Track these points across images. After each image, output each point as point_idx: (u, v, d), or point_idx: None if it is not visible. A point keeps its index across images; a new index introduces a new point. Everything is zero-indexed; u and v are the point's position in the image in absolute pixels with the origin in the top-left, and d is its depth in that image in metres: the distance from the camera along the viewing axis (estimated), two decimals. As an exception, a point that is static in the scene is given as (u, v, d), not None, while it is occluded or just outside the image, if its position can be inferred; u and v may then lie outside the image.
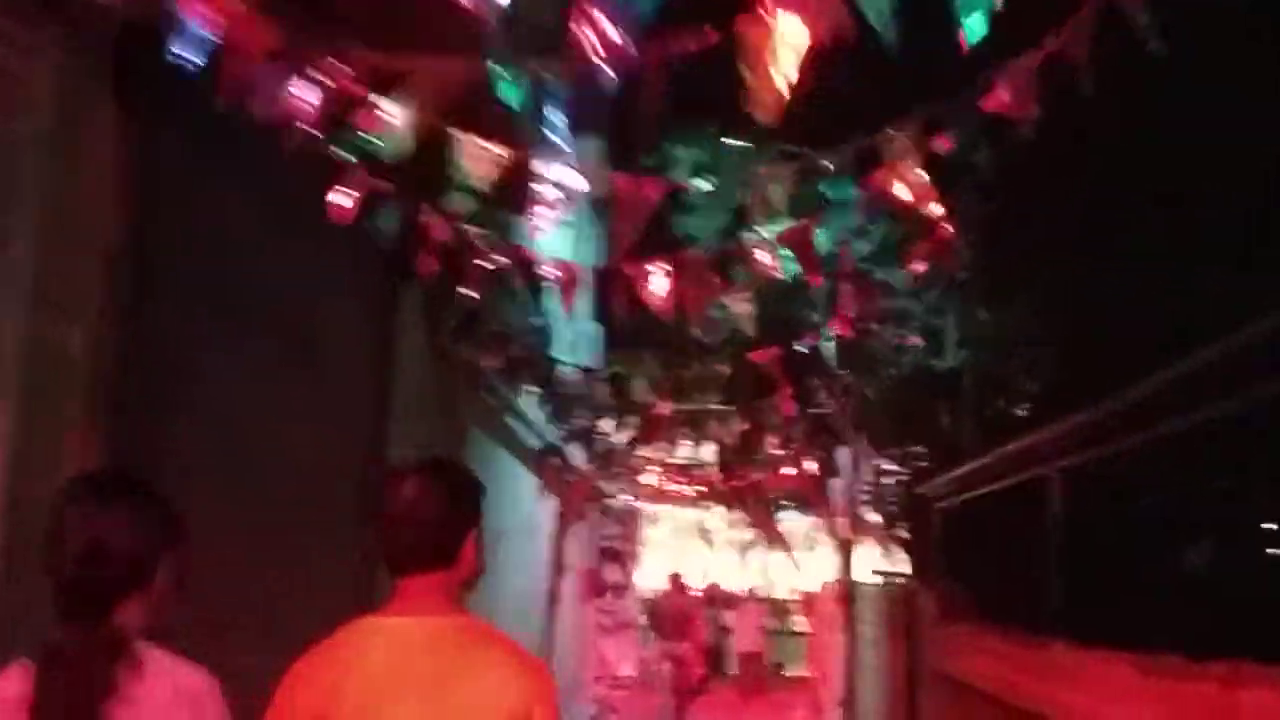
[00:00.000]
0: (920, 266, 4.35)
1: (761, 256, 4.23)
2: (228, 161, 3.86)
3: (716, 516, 21.92)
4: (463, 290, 4.68)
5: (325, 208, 4.01)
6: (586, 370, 7.57)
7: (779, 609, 19.00)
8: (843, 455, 10.32)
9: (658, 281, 4.04)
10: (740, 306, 4.55)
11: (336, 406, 5.26)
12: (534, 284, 5.01)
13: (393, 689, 1.91)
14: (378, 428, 5.85)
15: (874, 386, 10.05)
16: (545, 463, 10.92)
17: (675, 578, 15.83)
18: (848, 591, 10.12)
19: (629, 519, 16.79)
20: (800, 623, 18.49)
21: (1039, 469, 5.25)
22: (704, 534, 22.55)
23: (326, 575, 5.00)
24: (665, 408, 6.25)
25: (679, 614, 14.93)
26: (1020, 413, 10.30)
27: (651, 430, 7.25)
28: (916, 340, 9.19)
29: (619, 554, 16.38)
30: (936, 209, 3.60)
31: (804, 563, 18.68)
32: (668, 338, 9.93)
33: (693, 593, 16.84)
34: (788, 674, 17.90)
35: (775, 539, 16.78)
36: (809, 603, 17.55)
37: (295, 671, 2.00)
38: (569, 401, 7.61)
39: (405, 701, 1.90)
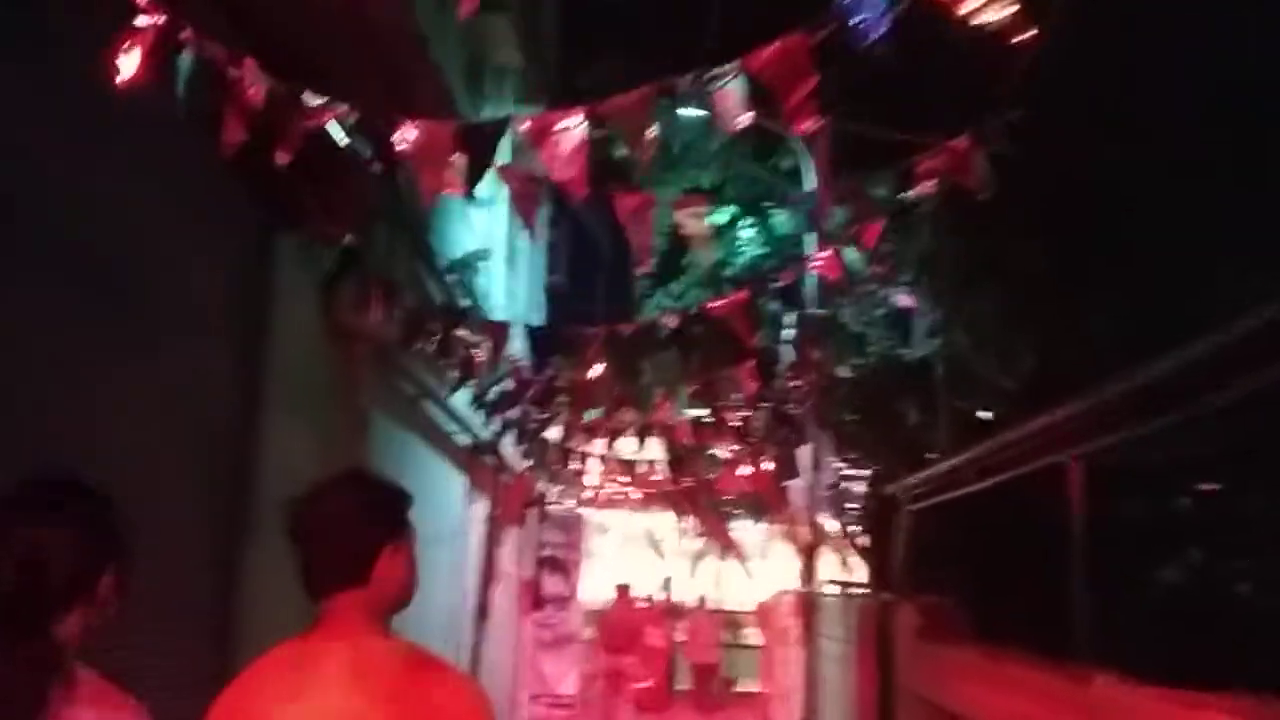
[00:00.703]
0: (929, 186, 3.38)
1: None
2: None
3: (666, 524, 21.09)
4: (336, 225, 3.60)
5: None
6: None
7: (731, 621, 18.05)
8: (804, 454, 9.38)
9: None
10: (694, 224, 3.60)
11: (183, 392, 4.15)
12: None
13: None
14: (244, 418, 4.74)
15: (836, 378, 9.13)
16: (476, 461, 9.86)
17: (623, 589, 14.80)
18: (809, 602, 9.15)
19: (572, 526, 15.73)
20: (753, 635, 17.56)
21: (1053, 456, 4.31)
22: (654, 543, 21.64)
23: (174, 602, 3.91)
24: (597, 369, 5.23)
25: (628, 626, 14.30)
26: (990, 412, 9.45)
27: (583, 398, 6.21)
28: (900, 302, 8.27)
29: (561, 563, 15.33)
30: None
31: (757, 572, 17.79)
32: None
33: (640, 604, 16.02)
34: (739, 689, 16.97)
35: (728, 546, 15.85)
36: (763, 614, 16.65)
37: (219, 708, 1.92)
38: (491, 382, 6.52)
39: None
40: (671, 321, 4.99)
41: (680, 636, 16.34)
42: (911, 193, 3.39)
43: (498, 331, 6.07)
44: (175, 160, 3.83)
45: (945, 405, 8.98)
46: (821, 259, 4.55)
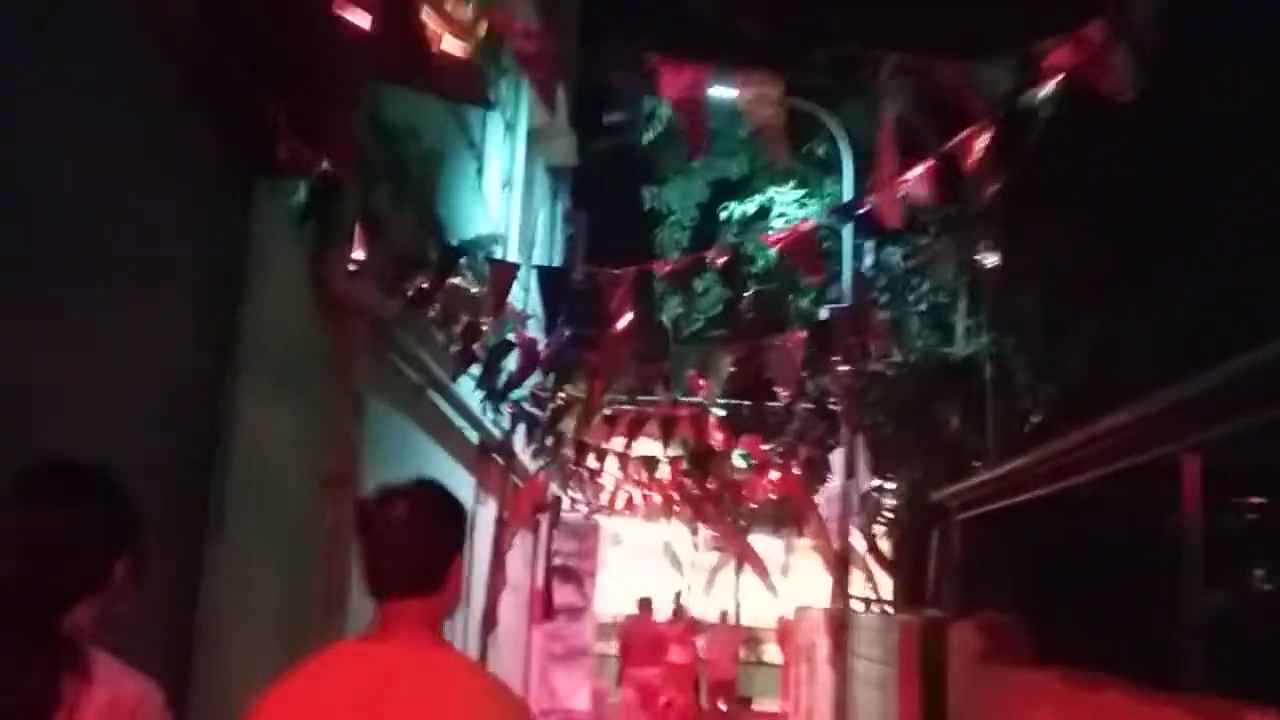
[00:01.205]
0: (1054, 85, 2.67)
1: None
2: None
3: (684, 536, 20.41)
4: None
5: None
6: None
7: (750, 637, 17.32)
8: (836, 459, 8.70)
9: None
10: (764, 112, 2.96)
11: (140, 356, 3.51)
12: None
13: None
14: (212, 391, 4.11)
15: (873, 374, 8.45)
16: (485, 460, 9.23)
17: (645, 603, 14.39)
18: (840, 619, 8.45)
19: (587, 534, 15.08)
20: (772, 652, 16.86)
21: (1161, 449, 3.63)
22: (671, 555, 21.00)
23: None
24: (624, 321, 4.55)
25: (652, 640, 13.93)
26: (1037, 418, 8.73)
27: (605, 365, 5.52)
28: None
29: (574, 572, 14.69)
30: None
31: (780, 587, 17.09)
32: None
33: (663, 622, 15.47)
34: (757, 708, 16.25)
35: (748, 559, 15.15)
36: (783, 631, 15.96)
37: (268, 697, 1.91)
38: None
39: None
40: (721, 258, 4.29)
41: (703, 654, 15.67)
42: (1036, 91, 2.70)
43: (502, 275, 5.35)
44: (128, 76, 3.22)
45: (994, 409, 8.28)
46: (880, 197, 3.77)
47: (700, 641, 15.57)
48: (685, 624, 15.50)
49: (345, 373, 5.30)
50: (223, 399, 4.12)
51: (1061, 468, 4.70)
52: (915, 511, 9.08)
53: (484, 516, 9.04)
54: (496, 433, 9.11)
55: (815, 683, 11.62)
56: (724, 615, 16.37)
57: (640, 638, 14.05)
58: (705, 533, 20.92)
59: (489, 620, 8.88)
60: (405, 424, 6.70)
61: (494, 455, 9.38)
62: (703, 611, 17.46)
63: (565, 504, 14.54)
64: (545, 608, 13.21)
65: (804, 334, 5.03)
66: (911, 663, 6.53)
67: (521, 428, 8.85)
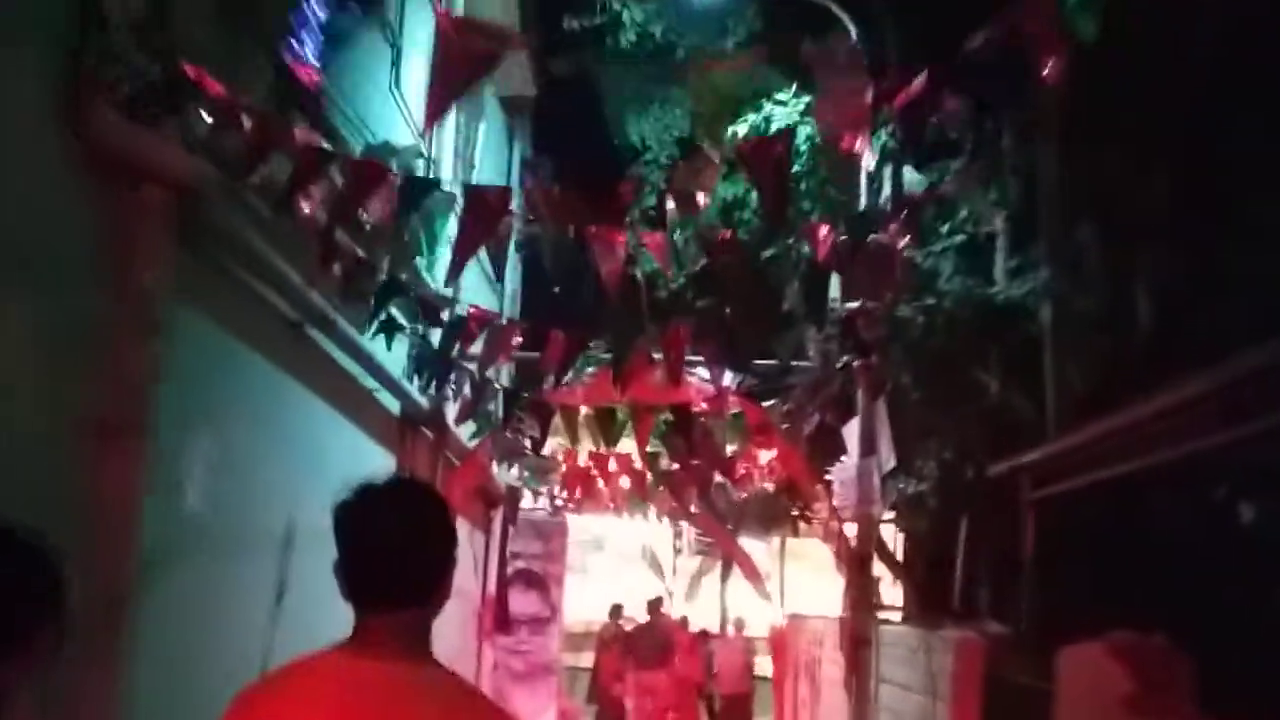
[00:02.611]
0: None
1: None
2: None
3: (666, 539, 18.79)
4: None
5: None
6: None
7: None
8: (850, 433, 6.89)
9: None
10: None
11: None
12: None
13: None
14: None
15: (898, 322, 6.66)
16: (410, 434, 7.37)
17: (655, 603, 13.74)
18: (858, 633, 6.60)
19: (552, 534, 13.21)
20: (765, 665, 15.05)
21: None
22: (652, 560, 19.39)
23: None
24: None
25: (662, 641, 13.16)
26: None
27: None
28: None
29: (537, 578, 12.81)
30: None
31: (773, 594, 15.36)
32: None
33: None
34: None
35: (739, 560, 13.35)
36: (777, 641, 14.19)
37: (238, 704, 1.79)
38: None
39: None
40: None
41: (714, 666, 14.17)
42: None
43: (367, 177, 3.55)
44: None
45: (1054, 362, 6.48)
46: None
47: (711, 649, 14.17)
48: (694, 633, 14.24)
49: (127, 270, 3.45)
50: None
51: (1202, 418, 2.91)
52: (948, 497, 7.27)
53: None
54: (424, 401, 7.26)
55: (820, 707, 9.77)
56: (739, 623, 14.63)
57: (649, 640, 13.13)
58: (690, 535, 19.24)
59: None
60: (268, 370, 4.84)
61: (422, 429, 7.54)
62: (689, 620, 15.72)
63: (526, 500, 12.69)
64: (499, 619, 11.33)
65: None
66: (972, 696, 4.70)
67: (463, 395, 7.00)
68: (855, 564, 6.64)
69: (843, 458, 6.93)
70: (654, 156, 10.71)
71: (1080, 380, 6.30)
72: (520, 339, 4.69)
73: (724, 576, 17.56)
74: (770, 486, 9.46)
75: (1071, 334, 6.51)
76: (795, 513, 13.02)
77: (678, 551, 19.78)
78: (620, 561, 19.33)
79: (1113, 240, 6.53)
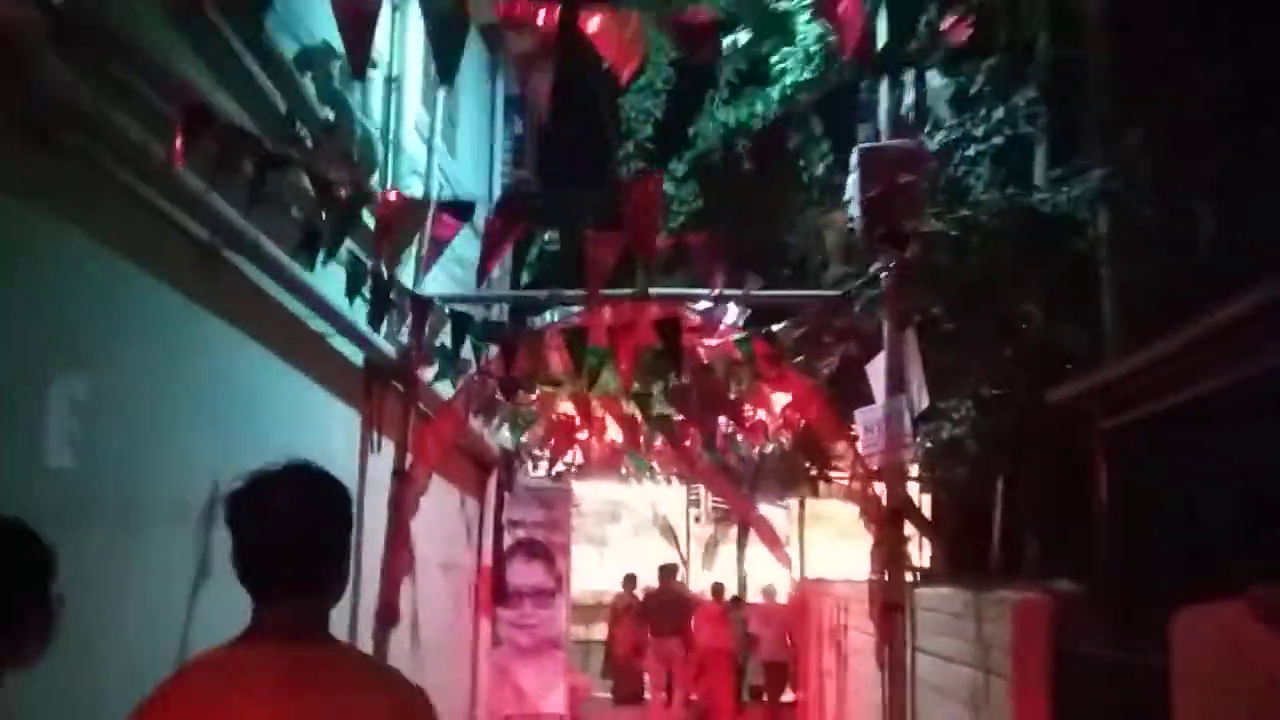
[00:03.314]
0: None
1: None
2: None
3: (679, 503, 18.07)
4: None
5: None
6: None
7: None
8: (879, 367, 6.01)
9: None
10: None
11: None
12: None
13: None
14: None
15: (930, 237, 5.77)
16: (377, 387, 6.54)
17: (668, 569, 13.70)
18: (895, 598, 5.75)
19: (556, 501, 12.42)
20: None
21: None
22: (666, 528, 18.75)
23: None
24: None
25: (677, 603, 13.04)
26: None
27: None
28: None
29: (541, 548, 12.03)
30: None
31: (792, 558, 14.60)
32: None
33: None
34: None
35: (755, 525, 12.55)
36: (796, 607, 13.42)
37: (146, 707, 1.71)
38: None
39: None
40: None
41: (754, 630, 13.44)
42: None
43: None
44: None
45: (1113, 279, 5.57)
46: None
47: (743, 617, 13.49)
48: (723, 603, 13.54)
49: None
50: None
51: None
52: (988, 439, 6.40)
53: (376, 469, 6.34)
54: (390, 350, 6.43)
55: (848, 680, 8.97)
56: (770, 590, 13.83)
57: (663, 607, 12.97)
58: (706, 503, 18.50)
59: (387, 613, 6.19)
60: (178, 304, 3.99)
61: (393, 382, 6.71)
62: (702, 588, 14.97)
63: (526, 466, 11.88)
64: (497, 591, 10.55)
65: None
66: (1038, 671, 3.84)
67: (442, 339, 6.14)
68: (888, 520, 5.77)
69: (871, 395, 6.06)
70: (649, 84, 9.75)
71: (1145, 295, 5.40)
72: (451, 227, 3.77)
73: (741, 543, 16.73)
74: (785, 441, 8.63)
75: (1133, 243, 5.60)
76: (814, 472, 12.19)
77: (696, 520, 19.05)
78: (638, 532, 18.76)
79: (1177, 137, 5.61)
